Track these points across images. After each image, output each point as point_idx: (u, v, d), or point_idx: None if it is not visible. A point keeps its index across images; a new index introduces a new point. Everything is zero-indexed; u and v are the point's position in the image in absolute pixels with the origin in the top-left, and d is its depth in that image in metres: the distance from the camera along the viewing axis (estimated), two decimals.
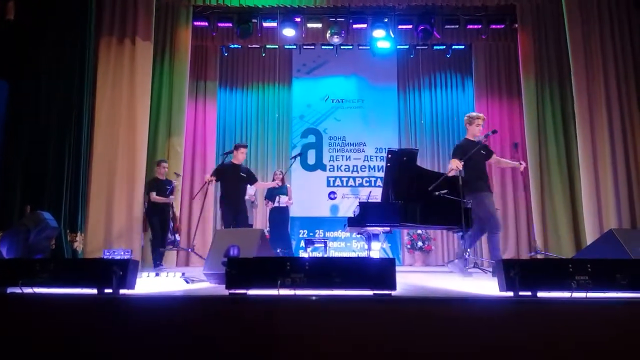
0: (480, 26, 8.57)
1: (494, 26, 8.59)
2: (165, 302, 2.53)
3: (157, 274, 4.25)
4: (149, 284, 3.72)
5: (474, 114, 5.46)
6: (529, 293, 2.39)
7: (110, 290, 2.54)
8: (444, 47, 9.22)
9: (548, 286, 2.41)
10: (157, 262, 6.64)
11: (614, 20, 6.67)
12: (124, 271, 2.58)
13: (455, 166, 5.10)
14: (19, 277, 2.58)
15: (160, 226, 6.83)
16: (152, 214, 6.85)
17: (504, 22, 8.52)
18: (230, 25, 8.57)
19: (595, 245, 3.84)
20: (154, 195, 6.82)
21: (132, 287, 2.65)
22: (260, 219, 8.84)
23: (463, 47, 9.27)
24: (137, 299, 2.51)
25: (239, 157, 6.37)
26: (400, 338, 2.25)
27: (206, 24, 8.57)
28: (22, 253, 4.74)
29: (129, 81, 6.80)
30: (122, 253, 5.45)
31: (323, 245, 7.54)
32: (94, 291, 2.55)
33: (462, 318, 2.28)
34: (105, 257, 5.42)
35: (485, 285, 3.48)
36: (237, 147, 6.39)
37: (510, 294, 2.42)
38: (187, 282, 3.82)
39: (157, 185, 6.94)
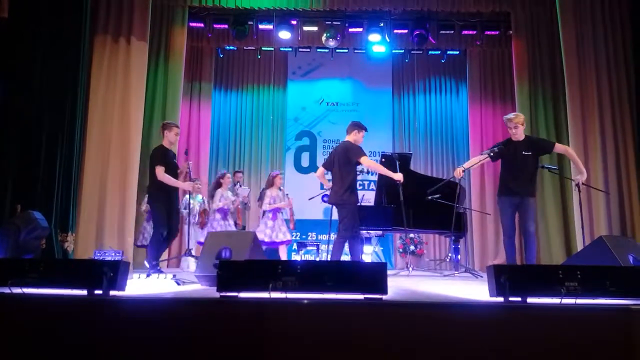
0: (475, 32, 8.62)
1: (488, 32, 8.65)
2: (155, 304, 2.52)
3: (148, 275, 4.23)
4: (139, 285, 3.71)
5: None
6: (519, 299, 2.41)
7: (100, 292, 2.53)
8: (439, 52, 9.27)
9: (538, 292, 2.43)
10: (153, 263, 4.85)
11: (608, 28, 6.72)
12: (115, 272, 2.57)
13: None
14: (8, 277, 2.57)
15: (164, 217, 4.91)
16: (157, 199, 4.94)
17: (498, 28, 8.58)
18: (226, 26, 8.56)
19: (585, 251, 3.86)
20: (162, 172, 4.84)
21: (123, 289, 2.64)
22: (253, 221, 8.83)
23: (458, 52, 9.32)
24: (127, 301, 2.50)
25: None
26: (391, 342, 2.25)
27: (202, 25, 8.55)
28: (11, 253, 4.70)
29: (123, 80, 6.78)
30: (113, 254, 5.40)
31: (315, 248, 7.54)
32: (84, 292, 2.54)
33: (452, 323, 2.29)
34: (95, 257, 5.38)
35: (476, 290, 3.49)
36: None
37: (501, 299, 2.43)
38: (178, 284, 3.81)
39: (166, 157, 5.00)
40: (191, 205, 6.81)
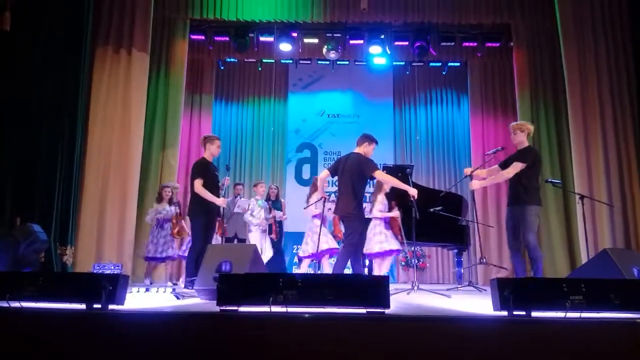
0: (475, 44, 8.65)
1: (489, 44, 8.67)
2: (155, 318, 2.49)
3: (147, 289, 4.20)
4: (138, 299, 3.67)
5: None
6: (523, 313, 2.38)
7: (99, 306, 2.50)
8: (440, 64, 9.29)
9: (542, 306, 2.40)
10: (189, 280, 4.59)
11: (609, 37, 6.74)
12: (114, 286, 2.54)
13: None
14: (6, 291, 2.54)
15: (202, 234, 4.89)
16: (196, 213, 4.93)
17: (499, 40, 8.61)
18: (227, 39, 8.61)
19: (589, 264, 3.83)
20: (199, 185, 4.86)
21: (122, 303, 2.61)
22: None
23: (459, 64, 9.34)
24: (126, 315, 2.47)
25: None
26: (394, 357, 2.21)
27: (203, 37, 8.60)
28: (10, 266, 4.67)
29: (123, 92, 6.79)
30: (112, 267, 5.36)
31: (317, 261, 7.46)
32: (83, 306, 2.51)
33: (456, 337, 2.26)
34: (94, 271, 5.34)
35: (479, 304, 3.45)
36: None
37: (505, 313, 2.40)
38: (178, 297, 3.77)
39: (206, 170, 5.01)
40: (254, 211, 6.49)
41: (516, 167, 4.58)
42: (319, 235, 5.71)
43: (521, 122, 4.95)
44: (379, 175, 4.65)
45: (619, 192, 6.39)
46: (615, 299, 2.42)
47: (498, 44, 8.65)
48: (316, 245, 5.64)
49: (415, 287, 4.93)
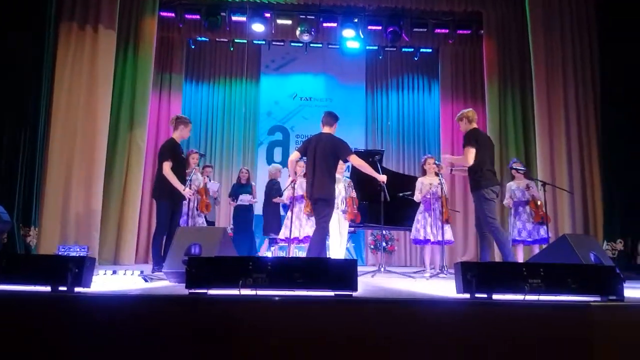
0: (447, 31, 8.75)
1: (460, 32, 8.80)
2: (122, 301, 2.47)
3: (114, 272, 4.15)
4: (105, 282, 3.63)
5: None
6: (485, 295, 2.46)
7: (64, 288, 2.46)
8: (412, 49, 9.36)
9: (503, 289, 2.49)
10: (156, 267, 4.73)
11: (575, 29, 6.92)
12: (80, 268, 2.50)
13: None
14: None
15: (168, 216, 4.91)
16: (162, 195, 4.95)
17: (470, 28, 8.73)
18: (198, 17, 8.44)
19: (548, 250, 3.97)
20: (167, 168, 4.88)
21: (88, 285, 2.58)
22: (223, 217, 8.75)
23: (430, 50, 9.43)
24: (93, 298, 2.44)
25: None
26: (360, 338, 2.27)
27: (173, 14, 8.41)
28: None
29: (89, 70, 6.57)
30: (78, 249, 5.25)
31: (287, 244, 7.50)
32: (48, 289, 2.47)
33: (420, 319, 2.33)
34: (60, 253, 5.23)
35: (444, 287, 3.55)
36: None
37: (467, 296, 2.48)
38: (146, 280, 3.74)
39: (174, 152, 5.03)
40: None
41: (467, 152, 4.67)
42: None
43: (460, 112, 5.02)
44: (354, 160, 4.63)
45: (579, 180, 6.62)
46: (572, 283, 2.52)
47: (469, 32, 8.78)
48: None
49: (382, 269, 5.02)
